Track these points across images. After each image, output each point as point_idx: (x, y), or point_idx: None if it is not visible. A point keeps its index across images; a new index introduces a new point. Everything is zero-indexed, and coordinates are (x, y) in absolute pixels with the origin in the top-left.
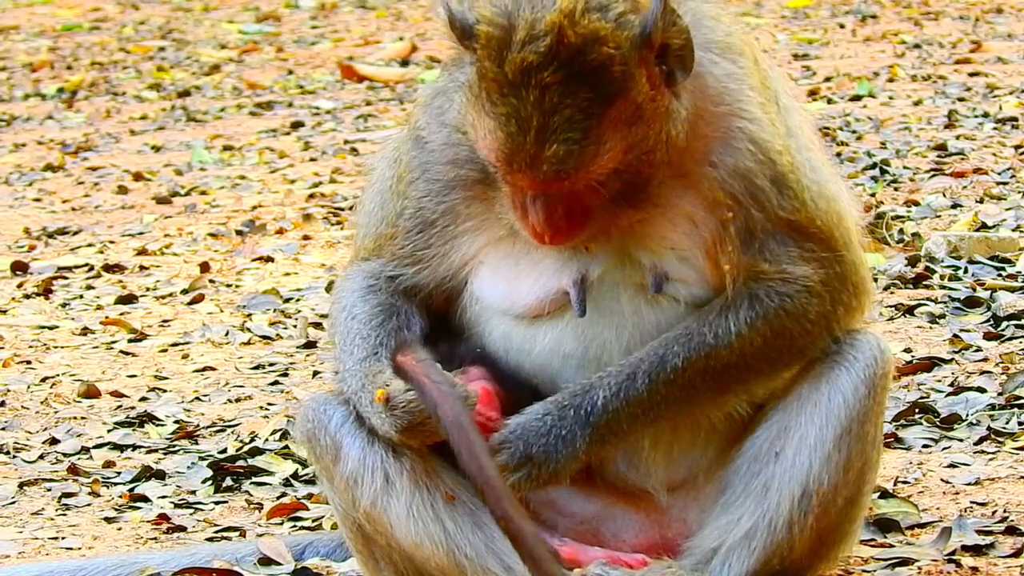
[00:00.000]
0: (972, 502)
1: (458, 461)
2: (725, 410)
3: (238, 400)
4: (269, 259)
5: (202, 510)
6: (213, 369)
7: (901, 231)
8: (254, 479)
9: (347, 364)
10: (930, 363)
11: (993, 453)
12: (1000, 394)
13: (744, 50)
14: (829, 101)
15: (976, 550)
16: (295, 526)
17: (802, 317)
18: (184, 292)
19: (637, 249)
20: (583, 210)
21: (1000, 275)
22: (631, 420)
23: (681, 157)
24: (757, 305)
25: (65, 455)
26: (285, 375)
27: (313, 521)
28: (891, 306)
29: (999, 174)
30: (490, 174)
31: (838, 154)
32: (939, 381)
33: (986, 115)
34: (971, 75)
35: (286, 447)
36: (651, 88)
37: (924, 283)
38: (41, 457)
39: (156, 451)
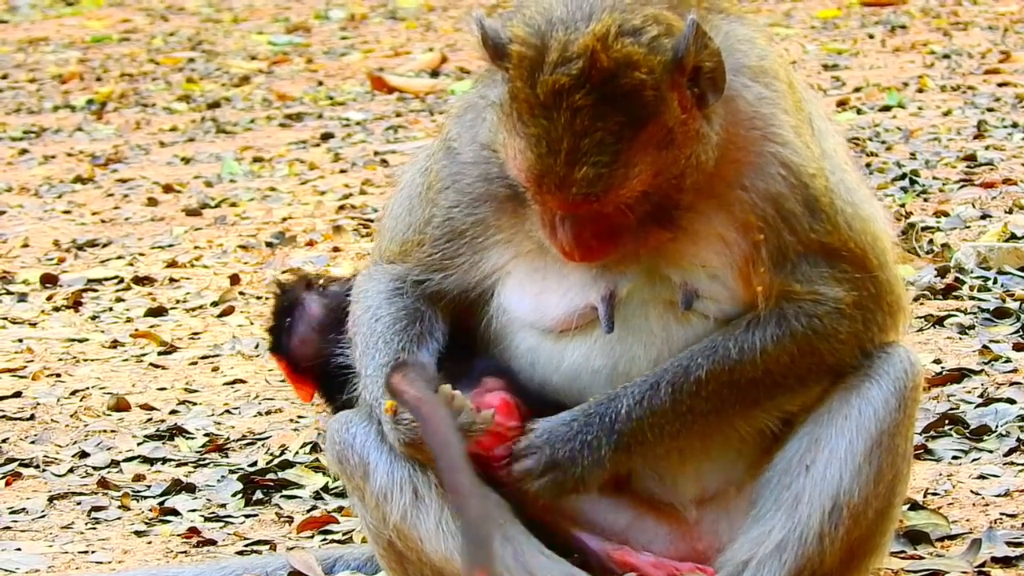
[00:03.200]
0: (1002, 513)
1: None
2: (756, 425)
3: (268, 413)
4: (299, 271)
5: (232, 523)
6: (243, 382)
7: (931, 242)
8: (284, 492)
9: (368, 369)
10: (960, 374)
11: (1022, 465)
12: None
13: (778, 73)
14: (858, 111)
15: (1006, 562)
16: (325, 539)
17: (832, 337)
18: (214, 304)
19: (667, 266)
20: (612, 231)
21: None
22: (655, 430)
23: (713, 180)
24: (784, 324)
25: (95, 468)
26: None
27: (344, 534)
28: (920, 317)
29: None
30: (520, 191)
31: (867, 165)
32: (969, 392)
33: (1015, 125)
34: (1000, 85)
35: (316, 460)
36: (682, 112)
37: (954, 294)
38: (71, 471)
39: (186, 464)
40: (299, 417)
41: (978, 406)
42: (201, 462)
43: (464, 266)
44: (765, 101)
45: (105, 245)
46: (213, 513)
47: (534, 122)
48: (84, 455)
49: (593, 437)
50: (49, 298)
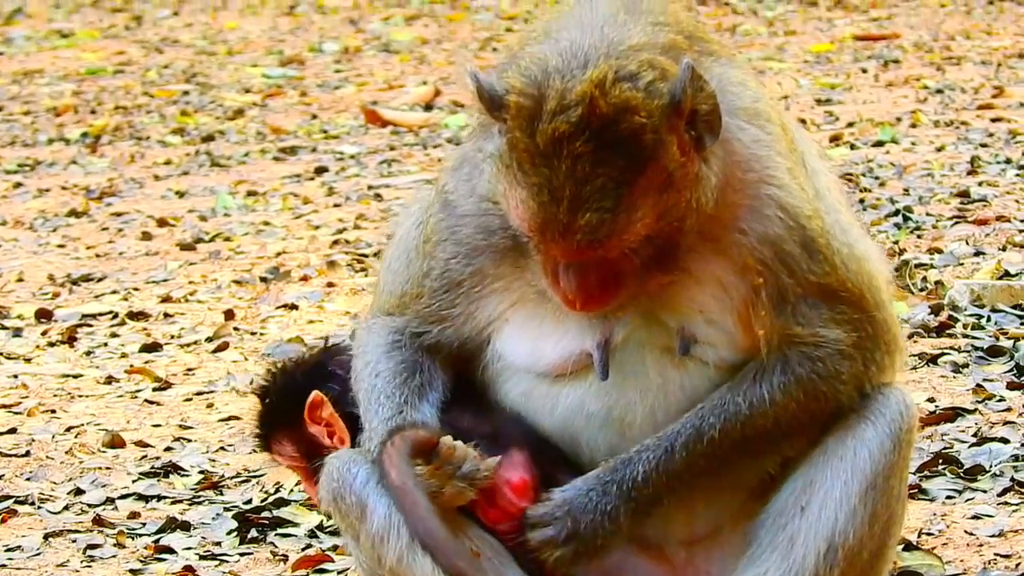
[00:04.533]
0: (996, 554)
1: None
2: (759, 473)
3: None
4: (294, 306)
5: (227, 562)
6: (238, 418)
7: (924, 279)
8: (279, 530)
9: (372, 423)
10: (953, 413)
11: (1017, 505)
12: (1023, 445)
13: (771, 115)
14: (852, 147)
15: None
16: None
17: (835, 379)
18: (209, 340)
19: (664, 311)
20: (615, 277)
21: (1023, 324)
22: (671, 492)
23: (710, 223)
24: (790, 371)
25: (90, 506)
26: None
27: (338, 573)
28: (914, 355)
29: (1022, 221)
30: (521, 241)
31: (861, 200)
32: (962, 431)
33: (1008, 161)
34: (993, 120)
35: (311, 498)
36: (681, 155)
37: (947, 332)
38: (66, 508)
39: (181, 502)
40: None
41: (972, 445)
42: (196, 500)
43: (461, 317)
44: (760, 143)
45: (99, 280)
46: (208, 551)
47: (535, 171)
48: (79, 492)
49: (613, 507)
50: (44, 333)
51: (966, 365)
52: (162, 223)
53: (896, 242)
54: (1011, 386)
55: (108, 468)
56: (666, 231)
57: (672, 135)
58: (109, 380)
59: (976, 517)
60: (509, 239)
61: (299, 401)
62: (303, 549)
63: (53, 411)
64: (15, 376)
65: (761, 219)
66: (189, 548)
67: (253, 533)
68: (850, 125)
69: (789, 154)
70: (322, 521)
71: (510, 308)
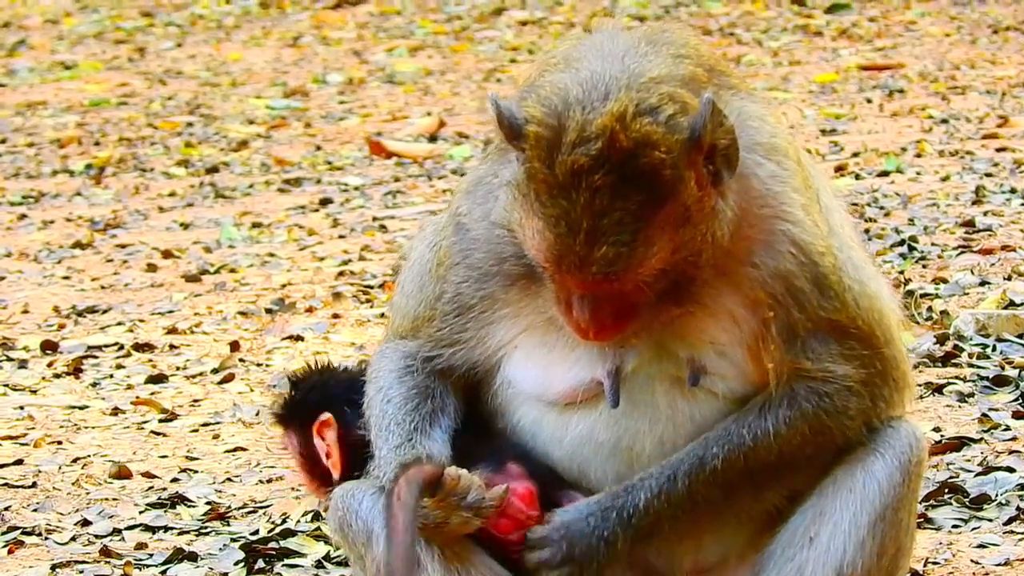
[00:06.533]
0: None
1: None
2: (765, 505)
3: (269, 481)
4: (299, 338)
5: None
6: (244, 449)
7: (930, 309)
8: (286, 561)
9: (382, 451)
10: (959, 442)
11: (1023, 533)
12: None
13: (788, 151)
14: (857, 177)
15: None
16: None
17: (842, 415)
18: (214, 371)
19: (674, 342)
20: (628, 308)
21: None
22: (672, 520)
23: (726, 257)
24: (795, 405)
25: (97, 537)
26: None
27: None
28: (920, 385)
29: None
30: (534, 269)
31: (866, 230)
32: (968, 461)
33: (1013, 191)
34: (998, 150)
35: (318, 529)
36: (699, 189)
37: (953, 361)
38: (73, 539)
39: (188, 532)
40: (300, 485)
41: (978, 475)
42: (203, 531)
43: (472, 341)
44: (776, 179)
45: (105, 311)
46: None
47: (552, 202)
48: (86, 523)
49: (610, 532)
50: (49, 364)
51: (972, 394)
52: (167, 255)
53: (901, 272)
54: (1017, 415)
55: (115, 499)
56: (681, 264)
57: (690, 170)
58: (115, 411)
59: (982, 546)
60: (521, 266)
61: (318, 409)
62: None
63: (59, 442)
64: (21, 407)
65: (774, 254)
66: None
67: (260, 564)
68: (855, 155)
69: (804, 190)
70: (329, 552)
71: (520, 335)
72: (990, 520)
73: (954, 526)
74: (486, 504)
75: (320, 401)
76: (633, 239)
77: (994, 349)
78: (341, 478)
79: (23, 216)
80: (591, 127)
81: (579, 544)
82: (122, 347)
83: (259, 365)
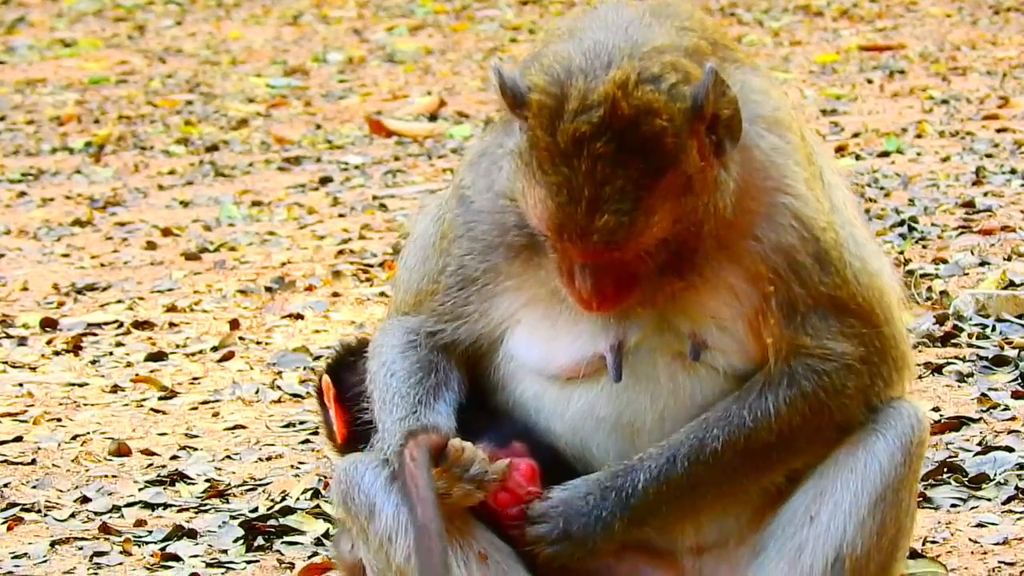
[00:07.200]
0: (1000, 562)
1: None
2: (764, 485)
3: (269, 459)
4: (299, 316)
5: (234, 569)
6: (244, 427)
7: (929, 289)
8: (286, 538)
9: (386, 423)
10: (958, 422)
11: (1021, 513)
12: None
13: (791, 125)
14: (857, 157)
15: None
16: None
17: (840, 393)
18: (214, 349)
19: (676, 316)
20: (630, 278)
21: None
22: (670, 502)
23: (727, 230)
24: (795, 384)
25: (96, 514)
26: (316, 433)
27: None
28: (920, 364)
29: None
30: (537, 240)
31: (866, 211)
32: (967, 440)
33: (1014, 171)
34: (999, 131)
35: (317, 506)
36: (701, 159)
37: (952, 341)
38: (72, 516)
39: (187, 510)
40: (300, 463)
41: (977, 454)
42: (202, 508)
43: (475, 315)
44: (779, 152)
45: (104, 289)
46: (215, 559)
47: (555, 170)
48: (85, 500)
49: (608, 512)
50: (49, 342)
51: (971, 375)
52: (167, 233)
53: (901, 252)
54: (1016, 395)
55: (114, 476)
56: (683, 235)
57: (693, 139)
58: (115, 389)
59: (980, 525)
60: (524, 237)
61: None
62: (309, 557)
63: (59, 419)
64: (20, 385)
65: (776, 228)
66: (195, 556)
67: (259, 541)
68: (855, 135)
69: (807, 165)
70: (328, 529)
71: (523, 308)
72: (989, 499)
73: (952, 505)
74: (489, 477)
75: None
76: (634, 208)
77: (993, 329)
78: (344, 447)
79: (22, 194)
80: (593, 95)
81: (576, 522)
82: (122, 325)
83: (259, 343)
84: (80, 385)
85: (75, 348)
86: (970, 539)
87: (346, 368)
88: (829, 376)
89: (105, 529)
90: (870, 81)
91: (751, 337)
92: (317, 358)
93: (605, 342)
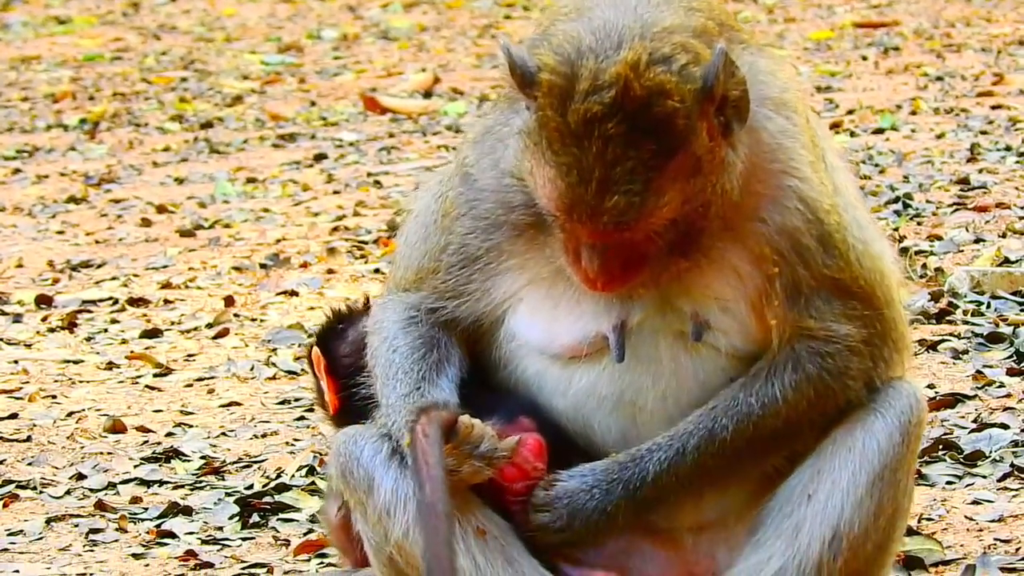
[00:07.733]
0: (996, 539)
1: (423, 545)
2: (766, 467)
3: (264, 436)
4: (294, 293)
5: (229, 547)
6: (239, 404)
7: (924, 266)
8: (281, 515)
9: (390, 399)
10: (953, 399)
11: (1016, 490)
12: (1023, 431)
13: (798, 107)
14: (852, 134)
15: None
16: (322, 563)
17: (844, 375)
18: (209, 326)
19: (679, 297)
20: (637, 259)
21: (1023, 310)
22: (676, 492)
23: (733, 211)
24: (800, 368)
25: (92, 490)
26: (311, 410)
27: (340, 558)
28: (915, 342)
29: (1021, 208)
30: (541, 219)
31: (861, 188)
32: (962, 417)
33: (1008, 148)
34: (993, 108)
35: (313, 483)
36: (710, 140)
37: (947, 319)
38: (68, 493)
39: (183, 487)
40: (295, 440)
41: (972, 431)
42: (198, 485)
43: (477, 293)
44: (786, 134)
45: (99, 266)
46: (210, 536)
47: (565, 151)
48: (81, 477)
49: (613, 506)
50: (44, 319)
51: (966, 351)
52: (161, 210)
53: (896, 229)
54: (1011, 372)
55: (109, 453)
56: (691, 215)
57: (702, 120)
58: (110, 366)
59: (976, 502)
60: (529, 216)
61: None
62: (305, 534)
63: (54, 396)
64: (16, 362)
65: (781, 210)
66: (191, 533)
67: (255, 518)
68: (850, 112)
69: (812, 148)
70: (324, 506)
71: (526, 287)
72: (984, 476)
73: (948, 483)
74: (498, 454)
75: (336, 332)
76: (645, 188)
77: (988, 306)
78: (336, 418)
79: (17, 171)
80: (604, 75)
81: (580, 515)
82: (116, 302)
83: (253, 320)
84: (75, 362)
85: (70, 325)
86: (966, 516)
87: (336, 337)
88: (833, 358)
89: (101, 506)
90: (864, 58)
91: (754, 318)
92: (312, 335)
93: (608, 322)
